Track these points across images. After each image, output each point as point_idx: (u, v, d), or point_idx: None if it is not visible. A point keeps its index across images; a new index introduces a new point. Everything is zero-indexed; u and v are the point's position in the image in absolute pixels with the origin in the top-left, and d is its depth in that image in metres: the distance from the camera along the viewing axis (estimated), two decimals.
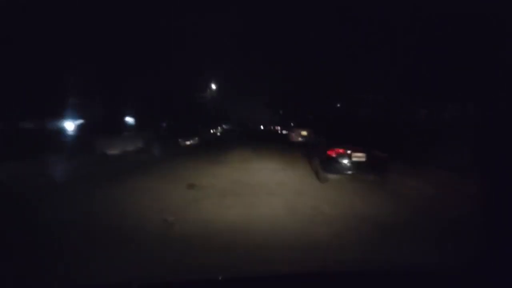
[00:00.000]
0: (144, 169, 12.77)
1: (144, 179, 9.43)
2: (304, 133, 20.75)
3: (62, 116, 24.34)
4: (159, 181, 9.16)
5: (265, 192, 7.44)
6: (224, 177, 9.54)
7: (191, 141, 27.76)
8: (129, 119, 37.30)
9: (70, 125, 25.83)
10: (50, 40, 17.63)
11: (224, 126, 60.60)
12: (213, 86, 53.63)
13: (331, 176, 8.37)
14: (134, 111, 36.22)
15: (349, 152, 8.00)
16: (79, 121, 25.14)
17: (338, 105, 35.50)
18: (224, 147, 22.99)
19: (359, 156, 7.98)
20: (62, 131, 23.02)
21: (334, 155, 8.10)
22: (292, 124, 21.28)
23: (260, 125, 71.61)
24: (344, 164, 7.99)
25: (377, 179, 7.91)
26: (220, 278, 1.64)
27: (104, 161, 17.23)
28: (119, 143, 21.99)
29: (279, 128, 34.59)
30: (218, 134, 49.62)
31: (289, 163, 12.23)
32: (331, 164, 8.12)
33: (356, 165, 7.95)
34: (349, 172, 8.03)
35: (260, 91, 66.91)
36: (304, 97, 31.28)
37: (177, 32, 33.13)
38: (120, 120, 32.46)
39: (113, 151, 21.37)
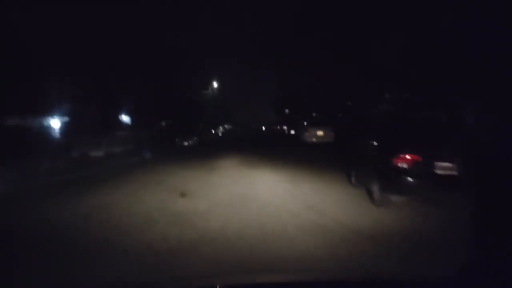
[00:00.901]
0: (120, 176, 9.89)
1: (112, 193, 7.32)
2: (320, 133, 17.59)
3: (47, 113, 21.77)
4: (136, 193, 7.06)
5: (292, 233, 4.29)
6: (220, 194, 6.54)
7: (189, 142, 24.71)
8: (125, 118, 34.58)
9: (56, 123, 23.30)
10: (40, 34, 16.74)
11: (226, 126, 57.63)
12: (215, 84, 50.66)
13: (396, 199, 5.25)
14: (131, 109, 33.85)
15: (429, 160, 4.89)
16: (65, 119, 22.43)
17: (349, 103, 32.44)
18: (225, 148, 19.92)
19: (446, 168, 4.86)
20: (43, 129, 20.38)
21: (404, 165, 4.98)
22: (305, 123, 18.02)
23: (263, 125, 68.26)
24: (423, 179, 4.89)
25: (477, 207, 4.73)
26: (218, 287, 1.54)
27: (80, 165, 14.34)
28: (105, 143, 19.04)
29: (285, 128, 31.26)
30: (220, 134, 46.59)
31: (311, 172, 9.12)
32: (399, 179, 5.00)
33: (441, 181, 4.83)
34: (430, 192, 4.94)
35: (265, 91, 63.81)
36: (317, 94, 28.18)
37: (177, 28, 30.60)
38: (114, 119, 29.57)
39: (98, 153, 18.45)
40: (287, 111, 46.24)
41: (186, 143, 24.40)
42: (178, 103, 38.27)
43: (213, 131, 46.62)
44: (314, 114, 29.03)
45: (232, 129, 58.94)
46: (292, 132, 28.89)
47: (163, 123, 37.80)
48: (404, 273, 2.50)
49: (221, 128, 51.42)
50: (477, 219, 3.10)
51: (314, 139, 17.73)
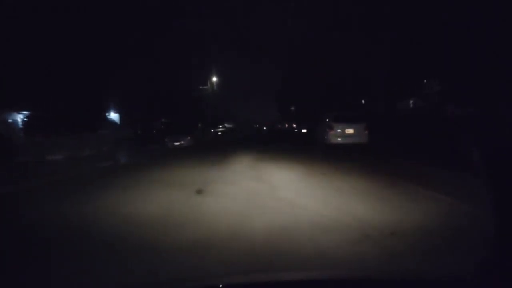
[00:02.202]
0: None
1: None
2: (349, 130, 13.28)
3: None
4: None
5: None
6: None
7: (181, 142, 20.40)
8: (114, 115, 30.71)
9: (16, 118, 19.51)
10: None
11: (226, 125, 53.17)
12: (215, 80, 46.36)
13: None
14: (121, 105, 29.81)
15: None
16: (26, 113, 18.36)
17: (363, 101, 28.16)
18: (223, 151, 15.62)
19: None
20: None
21: None
22: (327, 119, 13.65)
23: (267, 124, 63.69)
24: None
25: None
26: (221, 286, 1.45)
27: (22, 173, 10.14)
28: (69, 145, 14.78)
29: (295, 125, 26.77)
30: (219, 133, 42.25)
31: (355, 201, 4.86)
32: None
33: None
34: None
35: (268, 87, 59.39)
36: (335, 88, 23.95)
37: (172, 18, 27.36)
38: (97, 115, 25.12)
39: (57, 155, 14.29)
40: (293, 108, 42.11)
41: (177, 144, 20.10)
42: (176, 100, 34.43)
43: (212, 130, 42.30)
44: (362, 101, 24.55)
45: (233, 128, 54.55)
46: (304, 130, 24.63)
47: (162, 120, 33.77)
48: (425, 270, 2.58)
49: (220, 127, 47.01)
50: (501, 215, 2.28)
51: (339, 139, 13.42)
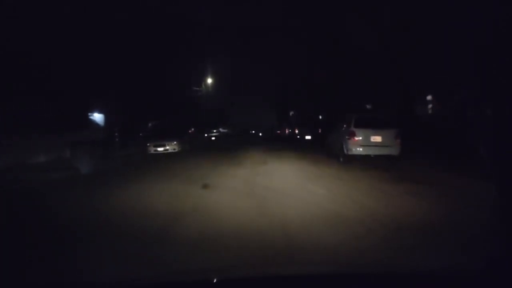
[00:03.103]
0: None
1: None
2: (376, 138, 10.34)
3: None
4: None
5: None
6: None
7: (166, 148, 17.34)
8: (97, 116, 27.62)
9: None
10: None
11: (221, 129, 50.01)
12: (209, 81, 43.35)
13: None
14: (107, 105, 26.97)
15: None
16: None
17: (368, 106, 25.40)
18: (215, 160, 12.65)
19: None
20: None
21: None
22: (345, 124, 10.65)
23: (264, 129, 60.28)
24: None
25: None
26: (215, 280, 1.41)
27: None
28: (20, 149, 11.73)
29: (297, 131, 23.73)
30: (213, 138, 39.15)
31: None
32: None
33: None
34: None
35: (266, 92, 56.43)
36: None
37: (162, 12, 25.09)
38: (76, 115, 22.04)
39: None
40: (292, 113, 39.39)
41: (160, 149, 17.06)
42: (166, 100, 31.76)
43: (206, 135, 39.18)
44: (367, 106, 21.69)
45: (228, 133, 51.42)
46: (308, 137, 21.67)
47: (152, 123, 30.79)
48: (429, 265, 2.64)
49: (215, 131, 43.86)
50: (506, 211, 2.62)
51: (360, 149, 10.47)
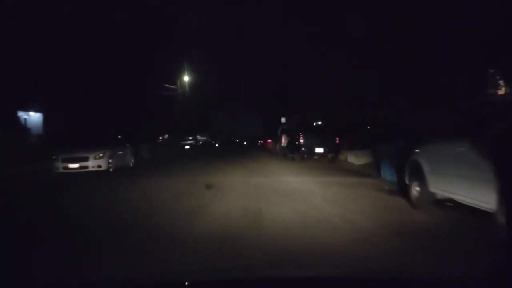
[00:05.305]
0: None
1: None
2: None
3: None
4: None
5: None
6: None
7: (86, 164, 10.68)
8: (34, 115, 21.46)
9: None
10: None
11: (198, 136, 43.19)
12: (186, 79, 36.51)
13: None
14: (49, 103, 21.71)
15: None
16: None
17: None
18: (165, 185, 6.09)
19: None
20: None
21: None
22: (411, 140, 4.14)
23: (248, 138, 53.12)
24: None
25: None
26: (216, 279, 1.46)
27: None
28: None
29: (302, 141, 16.92)
30: (186, 147, 32.38)
31: None
32: None
33: None
34: None
35: (251, 96, 50.20)
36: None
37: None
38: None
39: None
40: (283, 119, 33.39)
41: (74, 166, 10.36)
42: (131, 101, 25.40)
43: (182, 142, 32.51)
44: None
45: (206, 141, 44.79)
46: (319, 150, 15.77)
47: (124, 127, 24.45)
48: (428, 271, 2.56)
49: (190, 138, 37.03)
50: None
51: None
